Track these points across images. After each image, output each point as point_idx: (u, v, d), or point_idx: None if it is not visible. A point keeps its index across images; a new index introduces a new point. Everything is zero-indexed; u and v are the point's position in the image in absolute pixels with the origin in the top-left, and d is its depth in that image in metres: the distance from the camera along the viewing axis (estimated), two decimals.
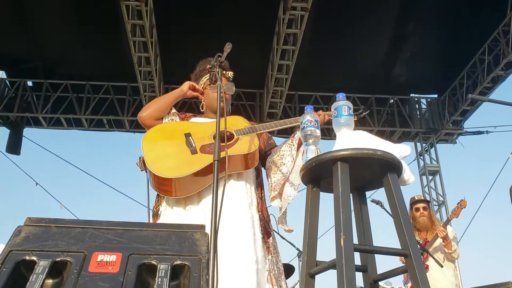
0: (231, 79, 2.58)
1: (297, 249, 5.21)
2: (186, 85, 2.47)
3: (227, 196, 1.82)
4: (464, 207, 4.29)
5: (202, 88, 2.57)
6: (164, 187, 2.21)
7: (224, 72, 2.54)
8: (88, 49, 7.81)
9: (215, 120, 2.39)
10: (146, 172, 2.25)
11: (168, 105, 2.48)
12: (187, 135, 2.33)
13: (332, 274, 1.54)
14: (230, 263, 1.96)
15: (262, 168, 2.53)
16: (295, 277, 5.27)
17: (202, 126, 2.41)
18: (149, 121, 2.43)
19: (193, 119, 2.56)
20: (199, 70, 2.62)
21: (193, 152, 2.25)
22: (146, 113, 2.44)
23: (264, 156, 2.52)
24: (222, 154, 2.09)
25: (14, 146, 8.46)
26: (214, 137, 2.31)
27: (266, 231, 2.28)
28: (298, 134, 2.40)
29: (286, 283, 2.30)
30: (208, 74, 2.47)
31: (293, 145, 2.39)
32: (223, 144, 2.05)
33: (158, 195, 2.35)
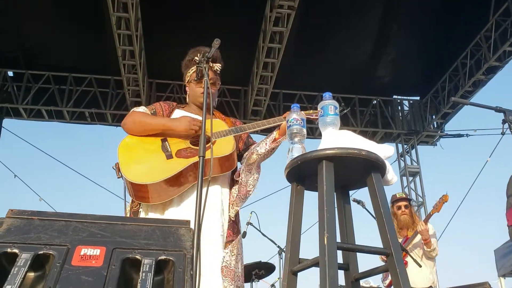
0: (218, 72, 2.52)
1: (278, 246, 5.23)
2: (193, 127, 2.28)
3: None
4: (446, 201, 4.32)
5: (188, 81, 2.53)
6: (139, 193, 2.19)
7: (211, 64, 2.47)
8: (71, 40, 7.70)
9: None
10: (122, 179, 2.22)
11: (152, 132, 2.34)
12: (163, 140, 2.31)
13: (314, 271, 1.55)
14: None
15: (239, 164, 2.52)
16: (276, 274, 5.29)
17: None
18: (129, 133, 2.37)
19: (177, 111, 2.52)
20: (187, 60, 2.54)
21: (169, 157, 2.23)
22: (129, 128, 2.35)
23: (241, 154, 2.51)
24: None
25: None
26: (191, 141, 2.31)
27: (233, 230, 2.28)
28: (274, 134, 2.39)
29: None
30: (195, 66, 2.43)
31: (266, 143, 2.38)
32: (196, 147, 2.02)
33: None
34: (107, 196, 8.86)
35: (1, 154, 8.65)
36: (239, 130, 2.41)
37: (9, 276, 1.06)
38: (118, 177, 2.23)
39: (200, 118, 2.42)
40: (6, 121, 8.68)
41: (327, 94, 1.89)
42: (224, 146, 2.31)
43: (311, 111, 2.48)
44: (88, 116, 8.64)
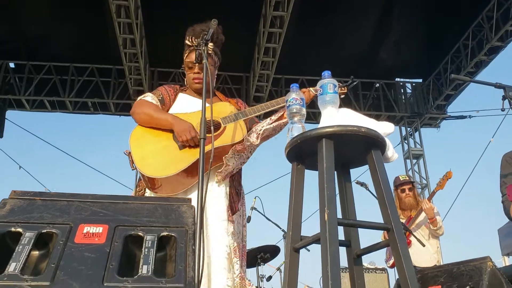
0: (210, 52, 2.25)
1: (283, 230, 5.25)
2: (186, 136, 2.18)
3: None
4: (450, 178, 4.32)
5: (184, 64, 2.48)
6: (153, 185, 2.20)
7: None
8: (71, 30, 7.69)
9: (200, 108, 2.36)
10: (137, 170, 2.21)
11: (159, 126, 2.29)
12: None
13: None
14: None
15: None
16: (281, 258, 5.33)
17: (188, 116, 2.30)
18: (138, 124, 2.35)
19: (180, 95, 2.49)
20: (185, 40, 2.44)
21: (181, 147, 2.21)
22: (137, 120, 2.32)
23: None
24: (209, 147, 1.98)
25: None
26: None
27: (231, 209, 2.28)
28: (281, 113, 2.38)
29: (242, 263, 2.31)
30: (188, 50, 2.40)
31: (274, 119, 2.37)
32: (209, 135, 1.98)
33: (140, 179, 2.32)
34: (112, 185, 8.91)
35: (5, 146, 8.67)
36: (249, 113, 2.36)
37: (14, 254, 1.08)
38: (132, 169, 2.22)
39: (200, 101, 2.41)
40: (9, 113, 8.74)
41: (326, 73, 1.88)
42: (236, 132, 2.29)
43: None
44: (91, 106, 8.65)
